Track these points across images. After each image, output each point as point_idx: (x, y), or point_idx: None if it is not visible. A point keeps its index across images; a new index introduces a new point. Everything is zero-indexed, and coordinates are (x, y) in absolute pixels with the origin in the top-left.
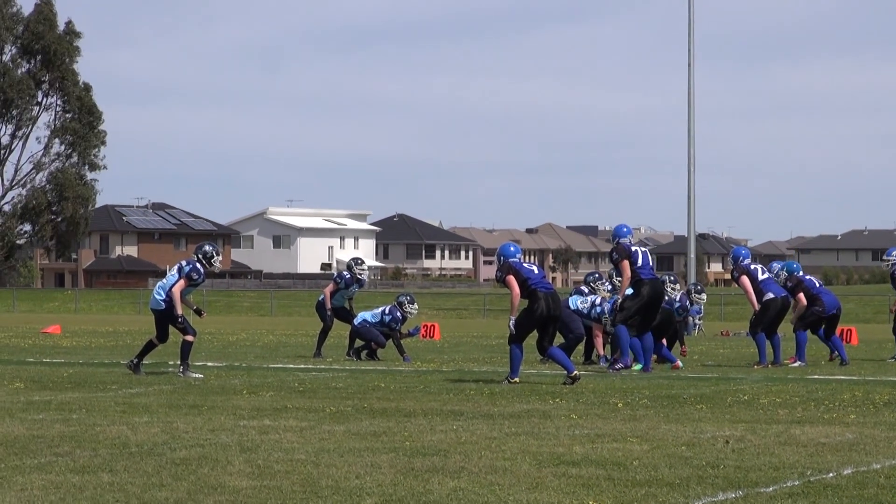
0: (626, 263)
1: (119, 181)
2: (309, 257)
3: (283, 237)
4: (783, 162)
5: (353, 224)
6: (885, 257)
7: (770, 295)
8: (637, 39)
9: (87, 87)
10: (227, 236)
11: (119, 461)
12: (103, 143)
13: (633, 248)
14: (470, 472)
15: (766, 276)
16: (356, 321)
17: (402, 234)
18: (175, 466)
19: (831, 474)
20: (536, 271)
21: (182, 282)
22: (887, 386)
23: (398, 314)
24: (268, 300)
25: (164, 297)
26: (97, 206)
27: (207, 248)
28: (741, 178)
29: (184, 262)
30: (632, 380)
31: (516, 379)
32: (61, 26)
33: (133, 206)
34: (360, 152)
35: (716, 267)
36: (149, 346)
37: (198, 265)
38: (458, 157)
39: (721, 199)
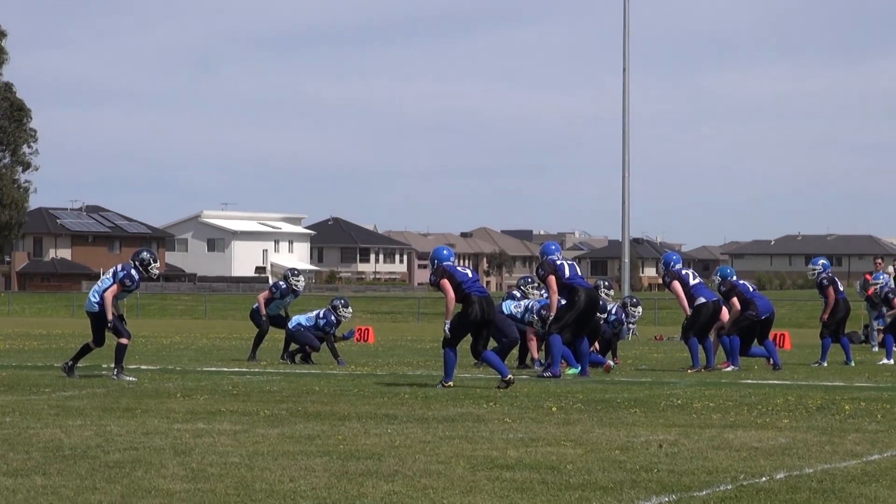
0: (551, 278)
1: (53, 184)
2: (243, 261)
3: (218, 240)
4: (717, 167)
5: (287, 227)
6: (811, 265)
7: (701, 299)
8: (572, 44)
9: (9, 86)
10: (161, 239)
11: (52, 464)
12: (34, 139)
13: (560, 262)
14: (404, 476)
15: (697, 280)
16: (291, 324)
17: (336, 238)
18: (109, 469)
19: (764, 478)
20: (470, 275)
21: (115, 287)
22: (819, 390)
23: (332, 318)
24: (202, 303)
25: (98, 299)
26: (31, 208)
27: (145, 254)
28: (675, 183)
29: (119, 267)
30: (566, 384)
31: (450, 383)
32: None
33: (67, 209)
34: (294, 156)
35: (650, 272)
36: (84, 350)
37: (133, 271)
38: (394, 160)
39: (655, 203)
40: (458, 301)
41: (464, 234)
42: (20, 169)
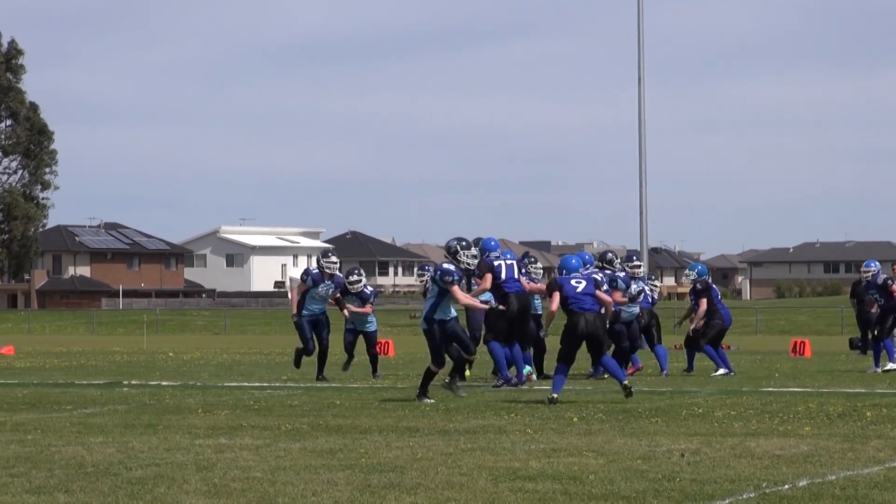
0: (488, 276)
1: (71, 201)
2: (262, 275)
3: (237, 256)
4: (735, 176)
5: (306, 242)
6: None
7: (721, 313)
8: (588, 55)
9: (34, 107)
10: (179, 255)
11: (75, 481)
12: (55, 161)
13: (497, 262)
14: (426, 488)
15: (719, 295)
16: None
17: (355, 251)
18: (131, 486)
19: (787, 486)
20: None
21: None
22: (841, 397)
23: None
24: (221, 319)
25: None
26: (49, 226)
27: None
28: (693, 191)
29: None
30: (586, 394)
31: (507, 377)
32: (4, 45)
33: (86, 227)
34: (312, 170)
35: (668, 280)
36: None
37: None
38: (411, 173)
39: (674, 212)
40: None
41: None
42: (39, 187)
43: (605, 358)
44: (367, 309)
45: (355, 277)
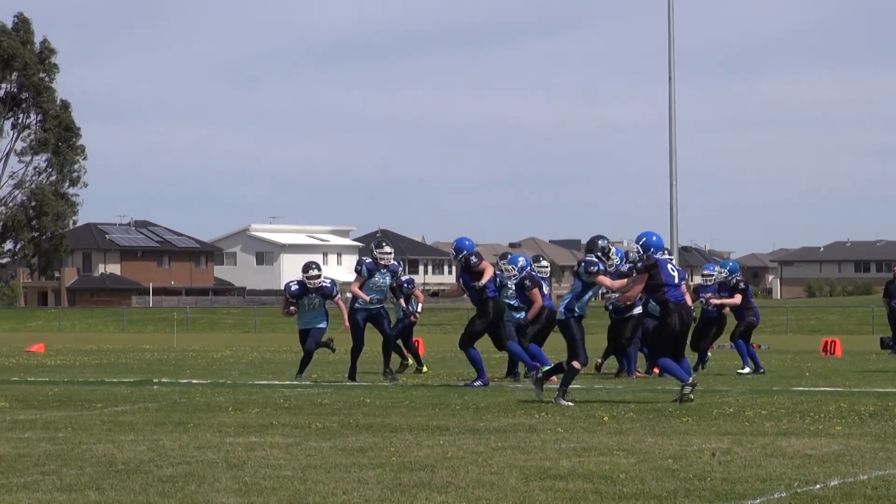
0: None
1: (102, 199)
2: (292, 273)
3: (266, 254)
4: (766, 174)
5: (336, 240)
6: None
7: (754, 310)
8: (618, 53)
9: (66, 105)
10: (209, 253)
11: (106, 479)
12: (83, 156)
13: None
14: (457, 487)
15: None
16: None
17: None
18: (162, 484)
19: (818, 486)
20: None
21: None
22: (872, 397)
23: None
24: (251, 317)
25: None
26: (80, 224)
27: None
28: (724, 190)
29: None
30: (617, 393)
31: (690, 383)
32: (37, 45)
33: (116, 224)
34: (341, 168)
35: (698, 279)
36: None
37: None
38: (441, 171)
39: (704, 211)
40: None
41: (512, 245)
42: (68, 184)
43: (665, 360)
44: (344, 311)
45: (314, 272)
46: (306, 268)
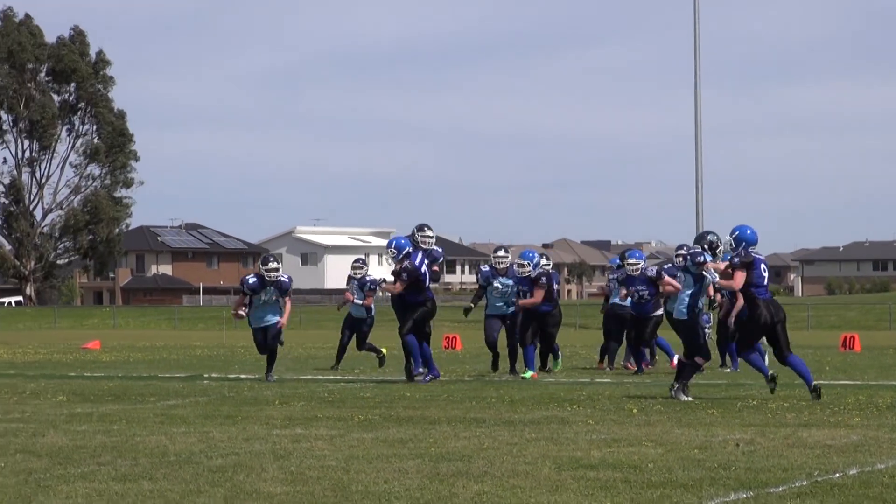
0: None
1: (154, 203)
2: (335, 273)
3: (311, 255)
4: (787, 177)
5: (377, 241)
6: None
7: None
8: (646, 63)
9: (121, 114)
10: (256, 254)
11: (158, 469)
12: (136, 159)
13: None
14: (493, 476)
15: None
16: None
17: None
18: (212, 474)
19: (837, 475)
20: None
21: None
22: (889, 390)
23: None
24: (297, 315)
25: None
26: (133, 227)
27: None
28: (747, 192)
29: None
30: (645, 387)
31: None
32: (93, 56)
33: (167, 227)
34: (382, 172)
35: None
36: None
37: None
38: (477, 175)
39: (728, 212)
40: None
41: (545, 245)
42: (121, 186)
43: (793, 357)
44: (288, 310)
45: (273, 265)
46: (265, 260)
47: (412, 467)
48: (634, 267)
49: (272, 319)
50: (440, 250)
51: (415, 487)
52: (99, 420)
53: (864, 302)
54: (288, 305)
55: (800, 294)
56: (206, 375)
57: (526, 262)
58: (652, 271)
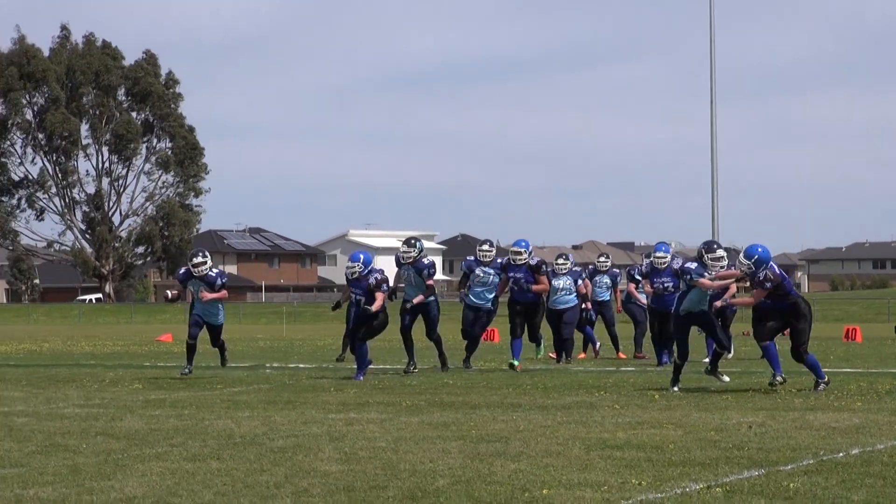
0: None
1: (220, 209)
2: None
3: None
4: (795, 182)
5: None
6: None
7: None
8: (665, 78)
9: (192, 129)
10: (314, 255)
11: (225, 450)
12: (206, 171)
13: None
14: (528, 456)
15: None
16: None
17: (465, 251)
18: (274, 454)
19: (841, 454)
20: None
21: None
22: (888, 377)
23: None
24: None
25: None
26: (202, 231)
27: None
28: (758, 197)
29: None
30: (667, 375)
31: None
32: (163, 77)
33: (232, 231)
34: (427, 180)
35: None
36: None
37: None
38: (512, 182)
39: (741, 216)
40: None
41: (574, 247)
42: (192, 195)
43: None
44: (221, 294)
45: (200, 259)
46: (192, 255)
47: (455, 448)
48: (661, 260)
49: (211, 317)
50: (498, 262)
51: (457, 466)
52: (171, 405)
53: (865, 297)
54: (216, 297)
55: (806, 290)
56: (267, 365)
57: (522, 250)
58: (678, 263)
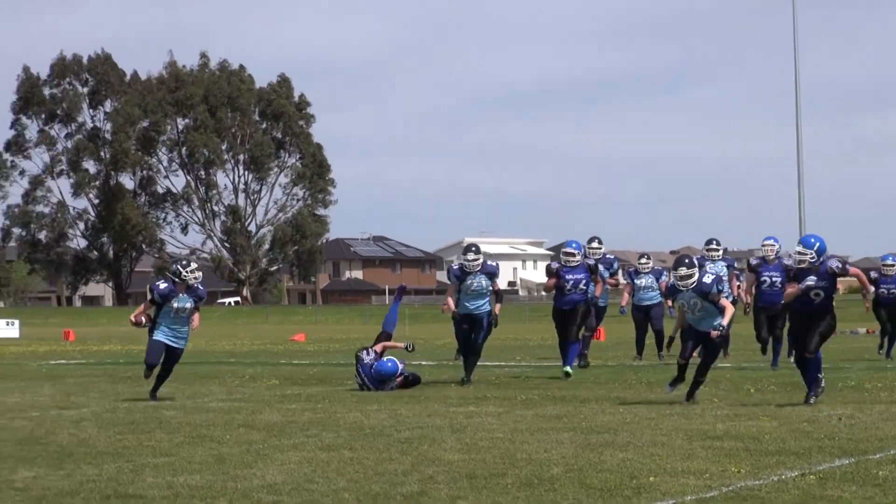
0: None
1: (347, 219)
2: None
3: None
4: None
5: (532, 250)
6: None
7: None
8: (749, 96)
9: (320, 147)
10: (432, 261)
11: (356, 441)
12: (333, 185)
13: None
14: (635, 446)
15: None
16: None
17: None
18: (401, 444)
19: None
20: None
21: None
22: None
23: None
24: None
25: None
26: (330, 239)
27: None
28: (841, 205)
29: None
30: (761, 370)
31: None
32: (296, 98)
33: (358, 239)
34: (536, 191)
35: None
36: None
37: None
38: (614, 193)
39: (827, 223)
40: None
41: (672, 252)
42: (321, 206)
43: None
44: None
45: (194, 265)
46: (187, 262)
47: (567, 439)
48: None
49: (179, 341)
50: (584, 267)
51: (570, 455)
52: (306, 400)
53: None
54: (196, 317)
55: None
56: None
57: (576, 251)
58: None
